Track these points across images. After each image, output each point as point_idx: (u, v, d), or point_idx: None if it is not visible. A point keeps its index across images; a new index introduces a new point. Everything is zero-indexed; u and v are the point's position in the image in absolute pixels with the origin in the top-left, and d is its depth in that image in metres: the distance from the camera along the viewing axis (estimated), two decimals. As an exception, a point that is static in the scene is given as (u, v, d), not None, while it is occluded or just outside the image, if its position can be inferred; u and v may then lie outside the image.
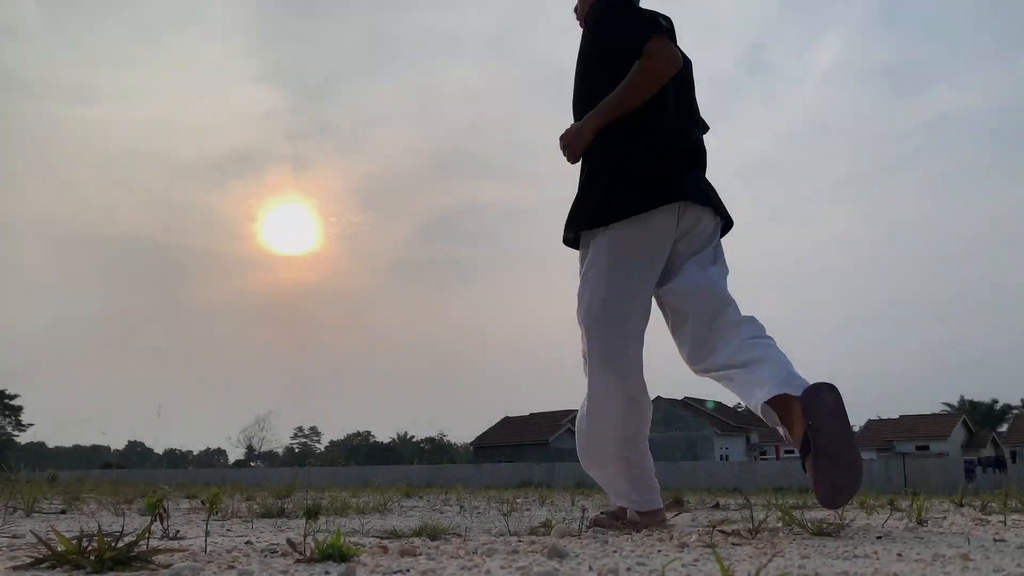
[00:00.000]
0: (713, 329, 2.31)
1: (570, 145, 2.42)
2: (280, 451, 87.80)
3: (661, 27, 2.32)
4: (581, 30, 2.56)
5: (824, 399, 2.04)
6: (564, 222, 2.47)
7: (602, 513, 2.65)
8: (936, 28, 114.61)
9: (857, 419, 67.46)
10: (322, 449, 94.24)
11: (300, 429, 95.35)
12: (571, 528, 2.25)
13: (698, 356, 2.34)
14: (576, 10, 2.64)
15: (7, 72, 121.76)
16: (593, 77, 2.42)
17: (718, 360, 2.27)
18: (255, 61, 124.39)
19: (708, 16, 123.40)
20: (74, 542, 1.37)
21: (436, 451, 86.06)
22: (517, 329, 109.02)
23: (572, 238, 2.48)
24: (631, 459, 2.36)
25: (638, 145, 2.32)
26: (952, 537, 2.18)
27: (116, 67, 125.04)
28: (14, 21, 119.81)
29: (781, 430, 2.18)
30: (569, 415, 48.69)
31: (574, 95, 2.51)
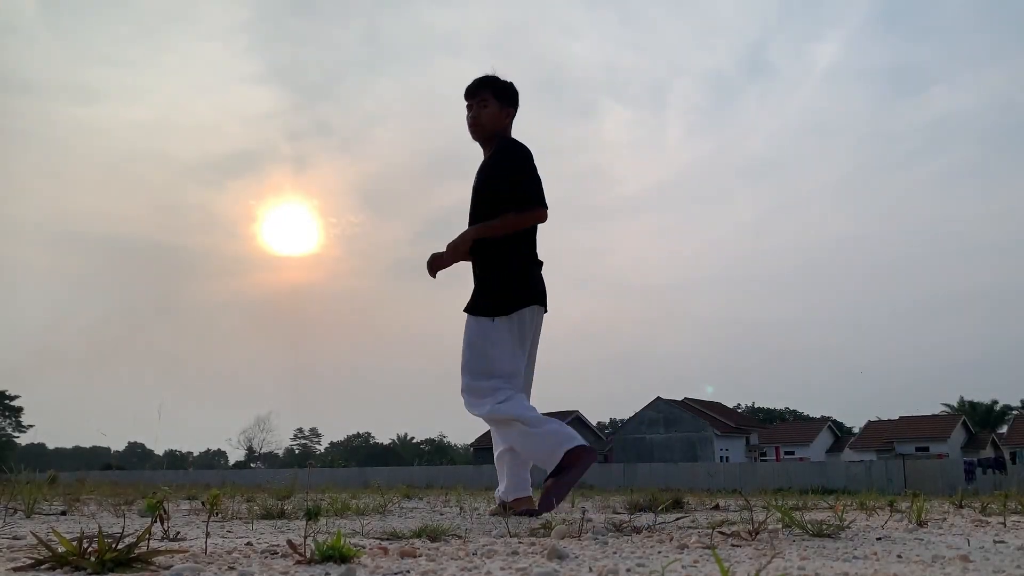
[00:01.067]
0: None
1: (436, 258, 3.26)
2: (280, 452, 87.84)
3: (544, 200, 3.25)
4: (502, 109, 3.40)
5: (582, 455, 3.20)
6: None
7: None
8: (935, 29, 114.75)
9: (857, 420, 67.54)
10: (322, 450, 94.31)
11: (300, 430, 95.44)
12: (571, 530, 2.25)
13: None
14: (475, 105, 3.38)
15: (7, 72, 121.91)
16: (490, 202, 3.23)
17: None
18: (255, 61, 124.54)
19: (708, 16, 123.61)
20: (74, 543, 1.37)
21: (436, 452, 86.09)
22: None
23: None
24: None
25: (520, 260, 3.26)
26: (952, 538, 2.18)
27: (116, 67, 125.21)
28: (14, 21, 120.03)
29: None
30: (570, 416, 48.69)
31: (480, 206, 3.28)
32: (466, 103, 3.42)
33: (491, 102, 3.37)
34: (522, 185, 3.20)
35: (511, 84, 3.44)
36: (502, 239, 3.21)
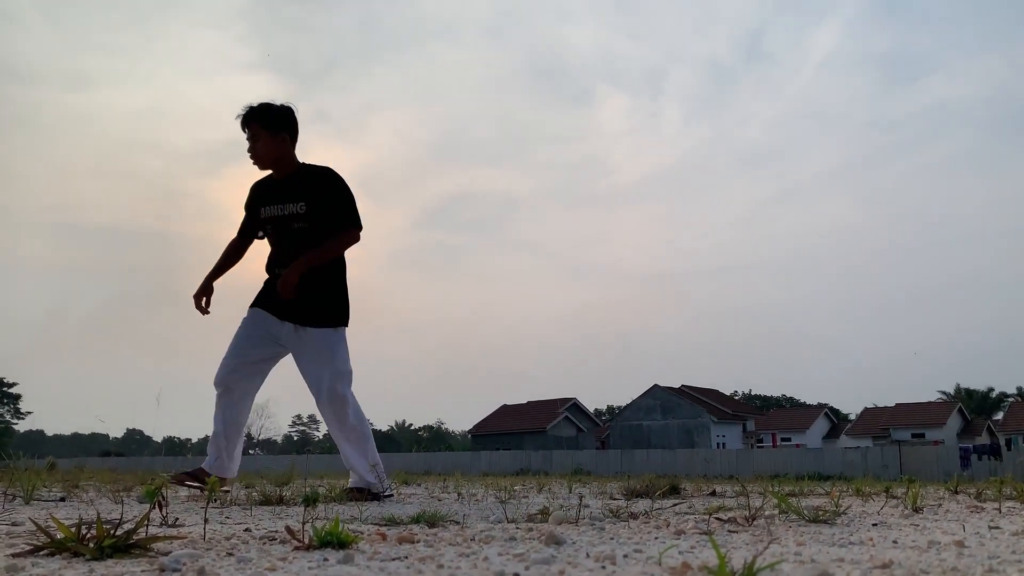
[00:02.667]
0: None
1: (289, 283, 3.43)
2: (279, 439, 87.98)
3: (361, 223, 3.60)
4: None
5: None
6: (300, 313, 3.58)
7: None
8: (932, 17, 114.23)
9: (853, 407, 67.77)
10: (320, 437, 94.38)
11: (299, 417, 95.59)
12: (569, 515, 2.26)
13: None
14: (249, 138, 3.55)
15: (2, 59, 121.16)
16: (323, 222, 3.54)
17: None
18: (251, 48, 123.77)
19: (705, 3, 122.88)
20: (73, 529, 1.37)
21: (434, 439, 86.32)
22: (515, 317, 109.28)
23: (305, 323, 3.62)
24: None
25: (343, 282, 3.68)
26: (947, 524, 2.19)
27: (111, 54, 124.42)
28: (9, 8, 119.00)
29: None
30: (567, 403, 48.83)
31: (310, 220, 3.54)
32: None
33: (261, 133, 3.53)
34: (349, 209, 3.57)
35: (281, 109, 3.56)
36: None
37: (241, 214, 3.80)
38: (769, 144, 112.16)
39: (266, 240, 3.72)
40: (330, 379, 3.55)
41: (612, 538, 1.75)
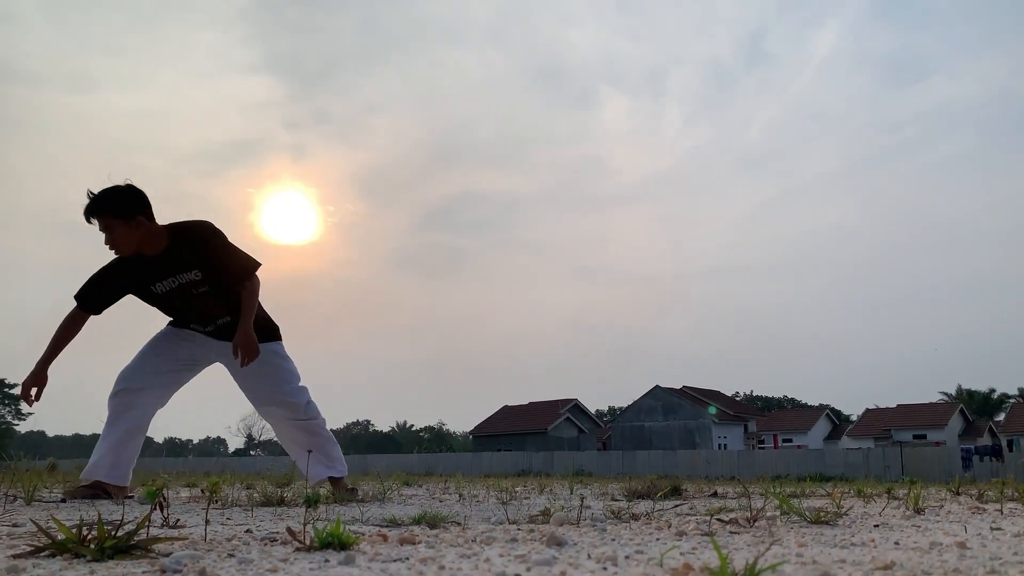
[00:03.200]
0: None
1: (251, 347, 3.56)
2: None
3: (257, 261, 3.66)
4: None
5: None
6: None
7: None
8: (933, 17, 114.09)
9: (855, 408, 67.72)
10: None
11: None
12: (570, 517, 2.26)
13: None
14: (102, 230, 3.36)
15: (4, 60, 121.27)
16: (221, 280, 3.57)
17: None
18: (253, 50, 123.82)
19: (707, 4, 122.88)
20: (74, 531, 1.37)
21: (435, 440, 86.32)
22: (516, 318, 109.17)
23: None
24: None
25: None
26: (949, 525, 2.19)
27: (113, 56, 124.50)
28: (12, 9, 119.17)
29: None
30: (569, 404, 48.81)
31: (211, 283, 3.55)
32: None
33: (114, 224, 3.31)
34: (240, 258, 3.61)
35: (126, 193, 3.34)
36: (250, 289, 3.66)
37: None
38: (770, 145, 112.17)
39: (153, 306, 3.64)
40: (300, 392, 3.99)
41: (613, 539, 1.74)
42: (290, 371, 3.92)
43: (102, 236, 3.34)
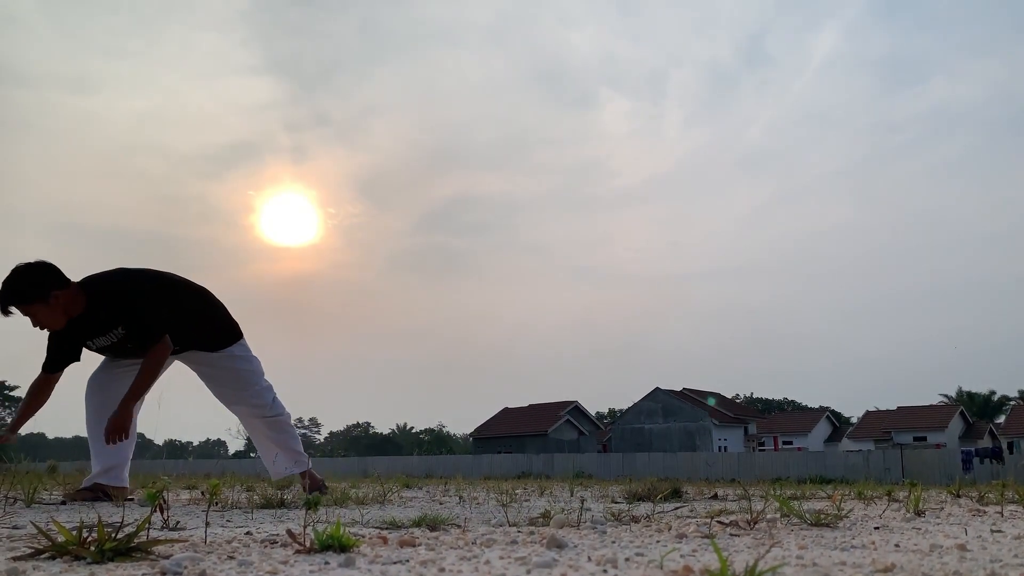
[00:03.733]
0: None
1: (119, 430, 3.42)
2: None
3: (163, 331, 3.51)
4: None
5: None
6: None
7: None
8: (933, 19, 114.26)
9: (855, 410, 67.63)
10: (322, 440, 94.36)
11: (300, 420, 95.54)
12: (570, 519, 2.26)
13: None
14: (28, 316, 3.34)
15: (6, 62, 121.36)
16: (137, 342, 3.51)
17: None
18: (253, 52, 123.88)
19: (706, 6, 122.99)
20: (74, 533, 1.37)
21: (435, 442, 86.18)
22: (516, 320, 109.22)
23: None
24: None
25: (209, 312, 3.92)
26: (949, 528, 2.19)
27: (114, 58, 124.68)
28: (13, 11, 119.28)
29: None
30: (569, 406, 48.76)
31: (135, 341, 3.52)
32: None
33: (32, 308, 3.30)
34: (146, 330, 3.51)
35: (32, 275, 3.30)
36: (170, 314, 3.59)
37: None
38: (770, 147, 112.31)
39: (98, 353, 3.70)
40: (268, 391, 4.05)
41: (614, 541, 1.74)
42: (252, 371, 3.95)
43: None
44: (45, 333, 3.52)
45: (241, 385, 3.91)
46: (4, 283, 3.26)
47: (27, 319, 3.33)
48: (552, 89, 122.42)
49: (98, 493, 3.56)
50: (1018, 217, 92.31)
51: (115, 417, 3.44)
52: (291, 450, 4.09)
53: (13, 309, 3.29)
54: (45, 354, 3.59)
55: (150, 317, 3.52)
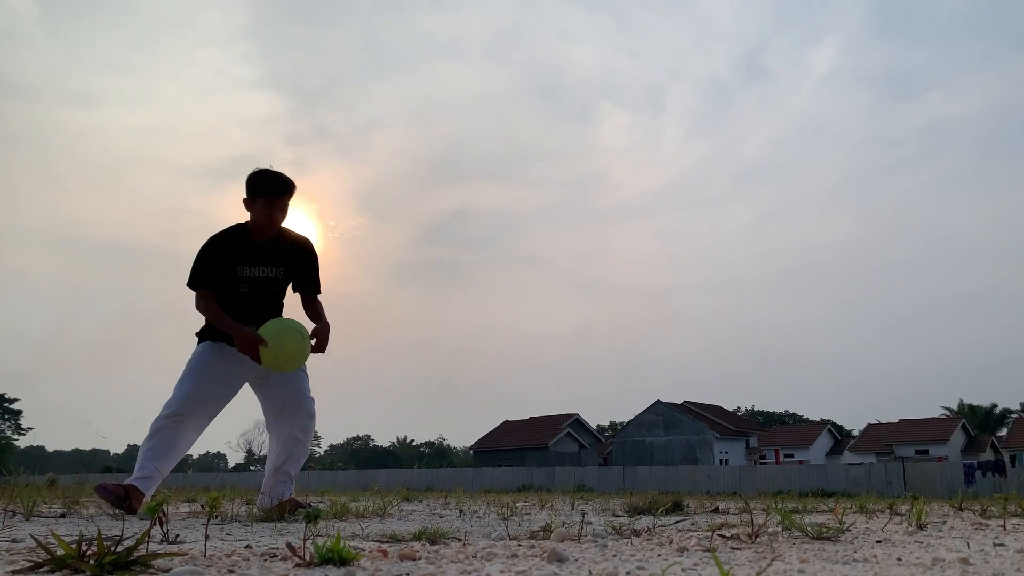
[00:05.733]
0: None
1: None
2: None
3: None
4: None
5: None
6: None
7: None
8: (931, 33, 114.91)
9: (857, 423, 67.51)
10: (322, 453, 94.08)
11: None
12: (571, 532, 2.25)
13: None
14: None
15: (7, 76, 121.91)
16: (298, 283, 3.84)
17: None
18: (254, 66, 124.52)
19: (705, 22, 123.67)
20: (73, 546, 1.37)
21: (436, 455, 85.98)
22: (517, 332, 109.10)
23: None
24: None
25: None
26: (952, 541, 2.18)
27: (115, 72, 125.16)
28: (14, 25, 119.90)
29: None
30: (569, 419, 48.64)
31: (283, 285, 3.79)
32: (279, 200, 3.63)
33: (287, 204, 3.66)
34: (317, 277, 3.86)
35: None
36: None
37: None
38: (769, 160, 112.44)
39: (225, 291, 3.66)
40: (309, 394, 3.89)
41: (615, 555, 1.74)
42: (307, 377, 3.90)
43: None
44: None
45: (305, 390, 3.82)
46: (283, 175, 3.62)
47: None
48: (552, 103, 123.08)
49: (121, 494, 3.36)
50: (1018, 230, 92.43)
51: (327, 328, 3.80)
52: (297, 469, 3.86)
53: (280, 198, 3.60)
54: (202, 275, 3.58)
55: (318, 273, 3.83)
